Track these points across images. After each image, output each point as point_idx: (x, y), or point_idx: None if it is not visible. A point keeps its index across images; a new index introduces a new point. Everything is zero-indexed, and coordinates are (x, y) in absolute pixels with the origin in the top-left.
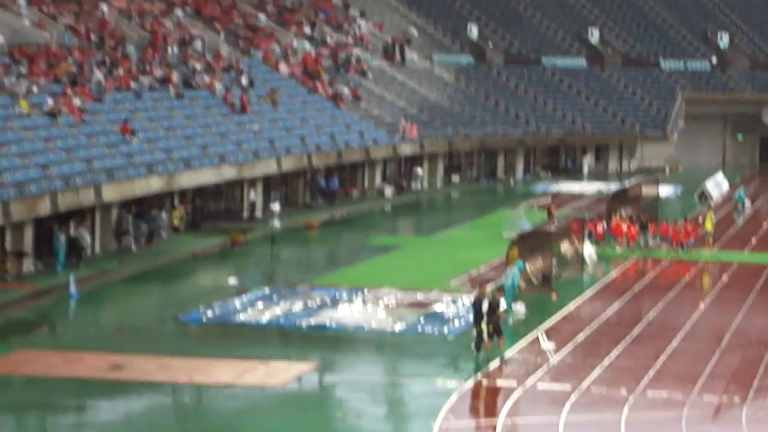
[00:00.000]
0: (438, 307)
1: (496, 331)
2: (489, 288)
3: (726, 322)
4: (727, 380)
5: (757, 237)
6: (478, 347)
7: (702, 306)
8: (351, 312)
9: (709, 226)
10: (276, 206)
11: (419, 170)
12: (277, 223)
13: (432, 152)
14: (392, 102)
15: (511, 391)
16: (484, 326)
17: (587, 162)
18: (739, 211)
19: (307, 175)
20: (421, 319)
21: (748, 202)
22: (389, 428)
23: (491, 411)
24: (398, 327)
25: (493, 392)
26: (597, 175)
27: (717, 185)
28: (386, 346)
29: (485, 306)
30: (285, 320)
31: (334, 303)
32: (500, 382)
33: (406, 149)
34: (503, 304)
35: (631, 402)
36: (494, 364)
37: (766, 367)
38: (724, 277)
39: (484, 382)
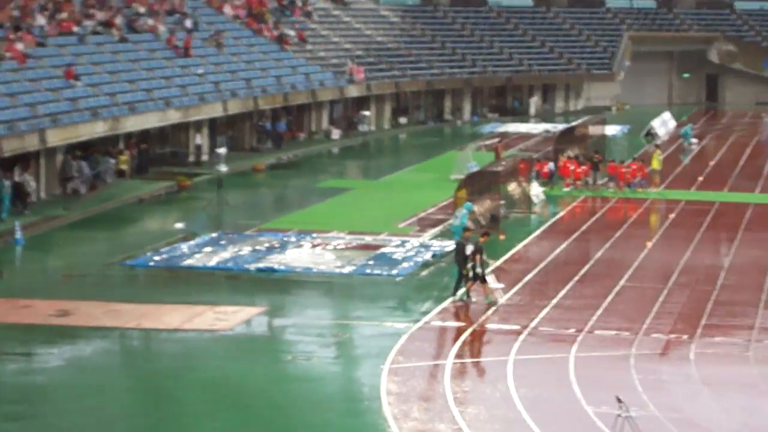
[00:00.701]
0: (386, 250)
1: (479, 276)
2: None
3: (673, 261)
4: (674, 318)
5: (704, 175)
6: (456, 290)
7: (649, 244)
8: (299, 255)
9: (656, 164)
10: (222, 150)
11: (366, 112)
12: (223, 167)
13: (379, 94)
14: (338, 44)
15: (460, 331)
16: (469, 270)
17: (534, 102)
18: (685, 148)
19: (253, 118)
20: (370, 261)
21: (694, 140)
22: (339, 371)
23: (441, 352)
24: (347, 269)
25: (443, 333)
26: (544, 115)
27: (663, 124)
28: (335, 288)
29: (469, 250)
30: (233, 264)
31: (283, 247)
32: (449, 323)
33: (353, 91)
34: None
35: (579, 340)
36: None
37: (714, 305)
38: (671, 216)
39: (434, 323)
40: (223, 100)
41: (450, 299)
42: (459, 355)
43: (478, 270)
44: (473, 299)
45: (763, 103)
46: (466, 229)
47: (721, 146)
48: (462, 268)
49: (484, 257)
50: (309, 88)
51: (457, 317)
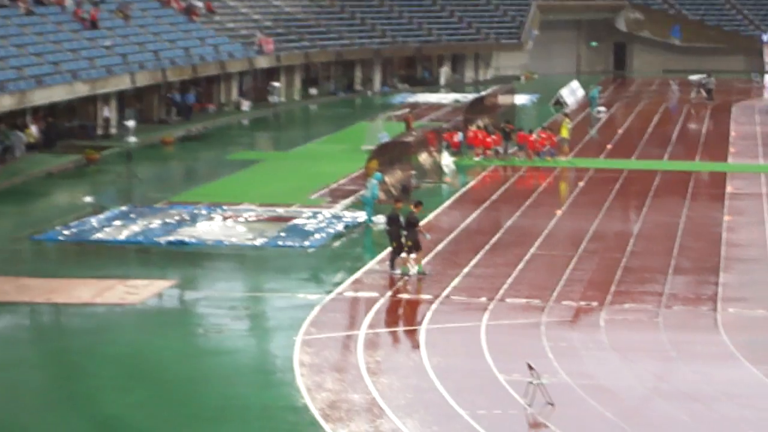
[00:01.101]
0: (298, 221)
1: (415, 246)
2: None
3: (583, 228)
4: (584, 285)
5: (613, 143)
6: (392, 263)
7: (559, 212)
8: (210, 228)
9: (565, 133)
10: (131, 122)
11: (276, 84)
12: (132, 140)
13: (288, 65)
14: (247, 14)
15: (373, 302)
16: (403, 241)
17: (444, 72)
18: (593, 116)
19: (161, 91)
20: (282, 233)
21: (603, 108)
22: (251, 343)
23: (354, 323)
24: (258, 242)
25: (356, 304)
26: (454, 85)
27: (572, 92)
28: (247, 261)
29: (402, 221)
30: (144, 238)
31: (194, 219)
32: (362, 294)
33: (262, 62)
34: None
35: (491, 309)
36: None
37: (623, 272)
38: (581, 184)
39: (346, 293)
40: (131, 73)
41: (396, 272)
42: (372, 326)
43: (409, 242)
44: (397, 271)
45: (671, 71)
46: (397, 200)
47: (629, 114)
48: (395, 240)
49: (419, 228)
50: (218, 60)
51: (370, 288)
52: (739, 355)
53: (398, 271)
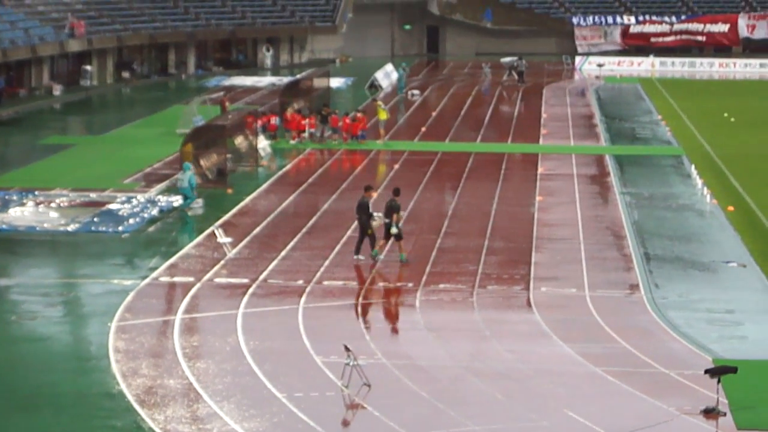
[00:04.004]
0: (112, 206)
1: (395, 234)
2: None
3: None
4: (400, 266)
5: (427, 126)
6: (357, 250)
7: (375, 195)
8: (22, 214)
9: (383, 116)
10: None
11: (88, 67)
12: None
13: (101, 48)
14: None
15: (189, 287)
16: (375, 223)
17: (259, 55)
18: (401, 97)
19: None
20: (95, 218)
21: (416, 91)
22: (65, 330)
23: (169, 308)
24: (72, 227)
25: (171, 289)
26: (269, 68)
27: (387, 75)
28: (60, 247)
29: (371, 210)
30: None
31: (5, 205)
32: (178, 279)
33: (74, 46)
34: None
35: (308, 291)
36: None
37: (438, 252)
38: (396, 166)
39: (162, 279)
40: None
41: (360, 257)
42: (188, 310)
43: (393, 230)
44: (362, 257)
45: (484, 54)
46: (368, 188)
47: (442, 97)
48: (366, 227)
49: (402, 214)
50: (28, 44)
51: (185, 272)
52: (552, 333)
53: (362, 257)
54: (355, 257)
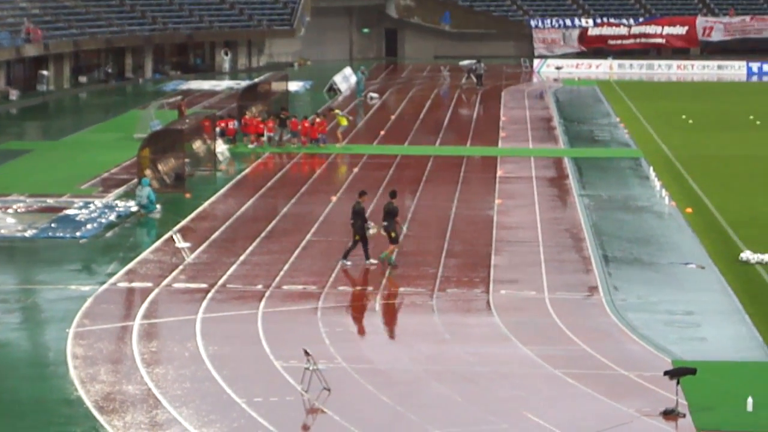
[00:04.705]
0: (70, 211)
1: (394, 238)
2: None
3: None
4: (360, 271)
5: (386, 129)
6: (346, 254)
7: (334, 199)
8: None
9: (342, 122)
10: None
11: (45, 72)
12: None
13: (57, 53)
14: (14, 2)
15: (147, 292)
16: (371, 232)
17: (217, 59)
18: (360, 101)
19: None
20: (53, 224)
21: (375, 95)
22: (23, 336)
23: (128, 313)
24: (29, 233)
25: (130, 294)
26: (227, 71)
27: (345, 79)
28: (17, 253)
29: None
30: None
31: None
32: (136, 284)
33: (31, 51)
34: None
35: (267, 296)
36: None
37: (398, 256)
38: (355, 170)
39: (120, 284)
40: None
41: (347, 263)
42: (146, 316)
43: (393, 233)
44: (349, 263)
45: (442, 57)
46: (362, 193)
47: (401, 100)
48: (359, 233)
49: (397, 218)
50: None
51: (143, 278)
52: (511, 336)
53: (349, 263)
54: (342, 261)
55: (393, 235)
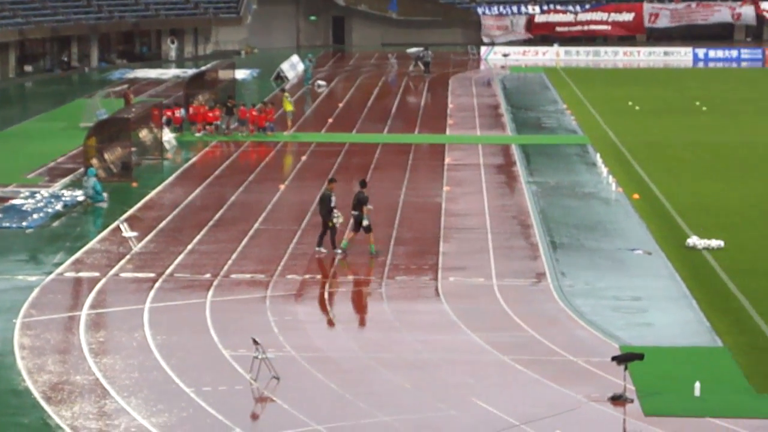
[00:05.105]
0: (15, 201)
1: (365, 227)
2: (333, 183)
3: (307, 202)
4: (309, 259)
5: (334, 117)
6: (320, 242)
7: (282, 187)
8: None
9: (288, 107)
10: None
11: None
12: None
13: (2, 42)
14: None
15: (94, 282)
16: (336, 220)
17: (163, 47)
18: (307, 88)
19: None
20: None
21: (323, 82)
22: None
23: (75, 303)
24: None
25: (77, 284)
26: (173, 60)
27: (292, 67)
28: None
29: (333, 201)
30: None
31: None
32: (83, 274)
33: None
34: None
35: (215, 285)
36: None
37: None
38: (303, 158)
39: (67, 274)
40: None
41: (322, 250)
42: (94, 306)
43: (365, 222)
44: (323, 250)
45: (390, 45)
46: (332, 180)
47: (349, 88)
48: (327, 220)
49: (369, 207)
50: None
51: (90, 267)
52: (460, 323)
53: (324, 250)
54: (316, 249)
55: (366, 224)
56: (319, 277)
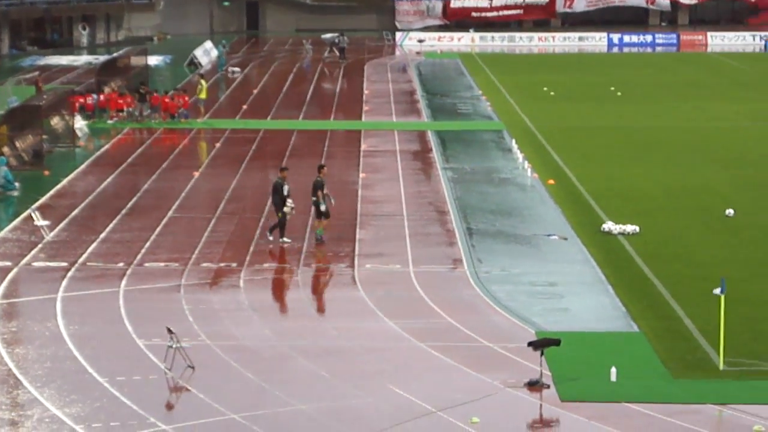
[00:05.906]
0: None
1: (323, 212)
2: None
3: (221, 189)
4: (223, 247)
5: (248, 103)
6: (272, 230)
7: (196, 174)
8: None
9: (202, 94)
10: None
11: None
12: None
13: None
14: None
15: (6, 271)
16: (288, 209)
17: (75, 34)
18: (221, 75)
19: None
20: None
21: (237, 69)
22: None
23: None
24: None
25: None
26: (85, 46)
27: (206, 53)
28: None
29: (286, 190)
30: None
31: None
32: None
33: None
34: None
35: (129, 274)
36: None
37: (262, 231)
38: (217, 145)
39: None
40: None
41: (279, 239)
42: (5, 296)
43: (322, 207)
44: (277, 238)
45: (304, 30)
46: (283, 168)
47: (263, 74)
48: (280, 209)
49: (325, 191)
50: None
51: (1, 257)
52: (377, 310)
53: (277, 239)
54: (280, 240)
55: (323, 209)
56: (234, 265)
